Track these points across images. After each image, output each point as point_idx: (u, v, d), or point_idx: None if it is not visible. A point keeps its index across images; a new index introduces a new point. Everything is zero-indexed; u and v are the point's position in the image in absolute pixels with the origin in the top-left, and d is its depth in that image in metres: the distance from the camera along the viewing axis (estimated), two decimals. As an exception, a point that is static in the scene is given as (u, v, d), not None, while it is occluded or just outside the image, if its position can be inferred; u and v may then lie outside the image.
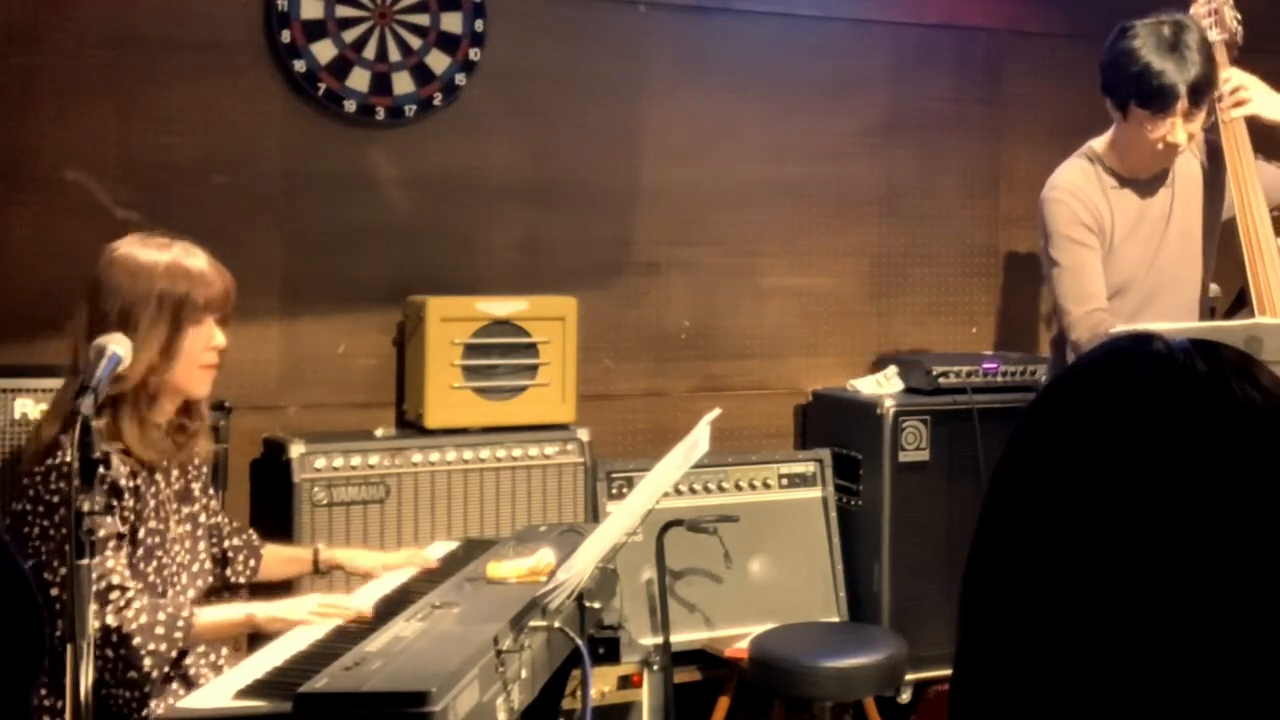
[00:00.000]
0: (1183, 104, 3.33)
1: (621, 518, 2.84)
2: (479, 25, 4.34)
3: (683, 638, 4.19)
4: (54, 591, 2.57)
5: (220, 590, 3.02)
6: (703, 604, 4.29)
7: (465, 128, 4.36)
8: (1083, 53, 5.00)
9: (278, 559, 3.17)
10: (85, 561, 2.17)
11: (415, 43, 4.27)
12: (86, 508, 2.17)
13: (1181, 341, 0.96)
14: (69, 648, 2.16)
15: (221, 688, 2.40)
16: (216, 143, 4.08)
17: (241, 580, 3.07)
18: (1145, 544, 0.89)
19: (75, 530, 2.17)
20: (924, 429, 4.44)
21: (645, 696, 3.90)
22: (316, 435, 4.01)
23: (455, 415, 4.10)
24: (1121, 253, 3.52)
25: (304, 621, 2.69)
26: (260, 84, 4.13)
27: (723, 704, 4.19)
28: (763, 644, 4.06)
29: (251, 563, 3.09)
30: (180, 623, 2.59)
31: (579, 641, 2.61)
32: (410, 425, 4.18)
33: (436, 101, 4.31)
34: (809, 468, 4.55)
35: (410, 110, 4.28)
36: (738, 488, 4.45)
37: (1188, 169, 3.61)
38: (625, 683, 3.88)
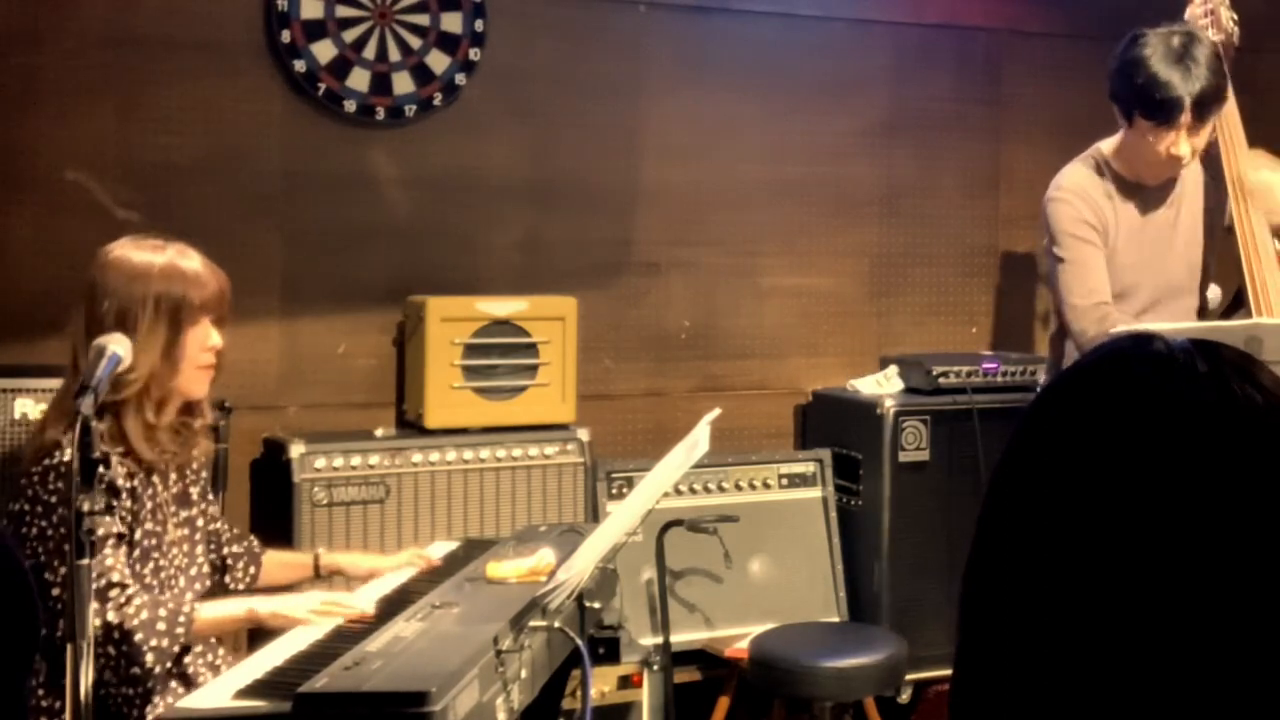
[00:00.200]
0: (1186, 117, 3.29)
1: (621, 518, 2.84)
2: (479, 25, 4.34)
3: (683, 638, 4.19)
4: (55, 591, 2.58)
5: (219, 596, 3.02)
6: (703, 604, 4.29)
7: (465, 128, 4.36)
8: (1083, 53, 5.02)
9: (278, 565, 3.17)
10: (85, 561, 2.17)
11: (415, 43, 4.27)
12: (86, 508, 2.17)
13: (1182, 342, 0.96)
14: (69, 648, 2.16)
15: (221, 688, 2.40)
16: (216, 143, 4.08)
17: (241, 587, 3.07)
18: (1145, 544, 0.89)
19: (75, 530, 2.17)
20: (924, 429, 4.44)
21: (645, 696, 3.90)
22: (316, 435, 4.01)
23: (455, 415, 4.10)
24: (1123, 257, 3.50)
25: (304, 620, 2.69)
26: (260, 84, 4.13)
27: (723, 704, 4.19)
28: (763, 644, 4.06)
29: (252, 569, 3.10)
30: (182, 618, 2.59)
31: (579, 641, 2.61)
32: (410, 425, 4.18)
33: (436, 101, 4.31)
34: (809, 468, 4.55)
35: (410, 110, 4.28)
36: (738, 488, 4.45)
37: (1192, 177, 3.59)
38: (625, 683, 3.88)
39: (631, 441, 4.57)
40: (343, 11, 4.19)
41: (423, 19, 4.29)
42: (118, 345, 2.47)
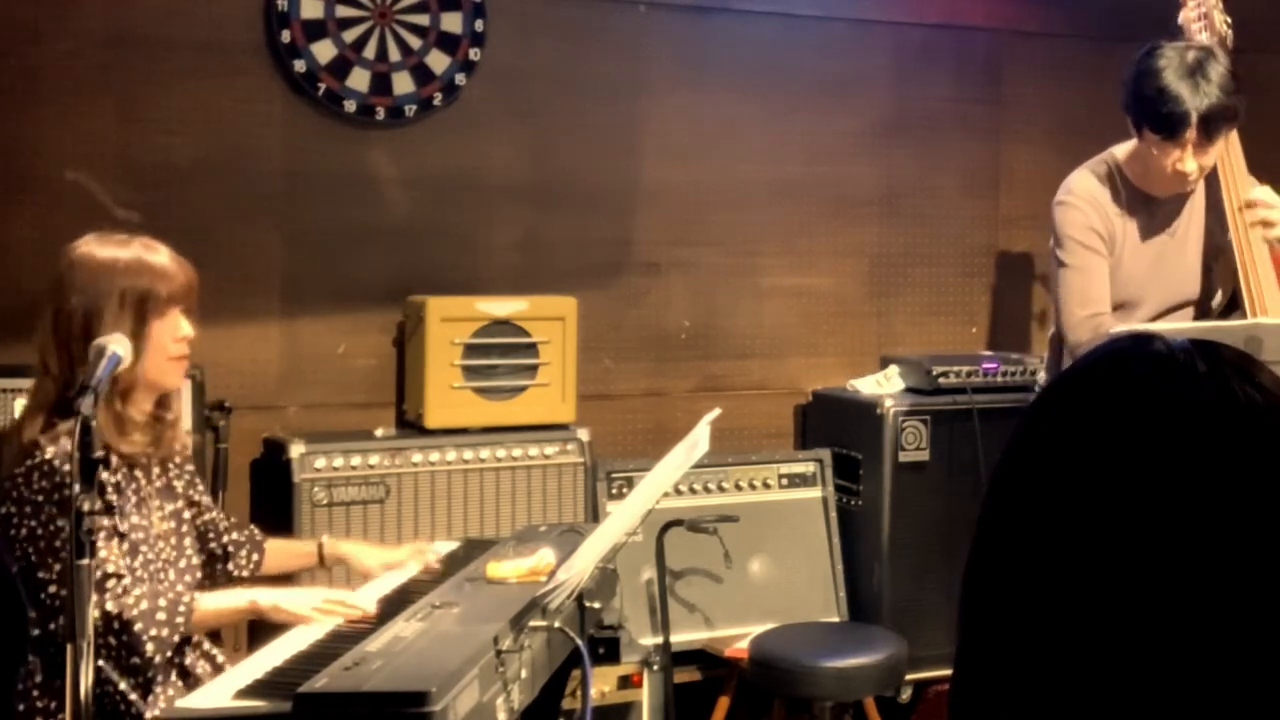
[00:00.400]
0: (1193, 133, 3.25)
1: (621, 518, 2.84)
2: (479, 25, 4.34)
3: (683, 638, 4.19)
4: (52, 589, 2.58)
5: (223, 585, 3.02)
6: (703, 604, 4.29)
7: (465, 128, 4.36)
8: (1083, 53, 5.03)
9: (282, 552, 3.17)
10: (85, 561, 2.17)
11: (415, 43, 4.27)
12: (86, 507, 2.17)
13: (1181, 342, 0.96)
14: (69, 647, 2.16)
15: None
16: (216, 143, 4.08)
17: (245, 574, 3.07)
18: (1145, 544, 0.89)
19: (75, 530, 2.17)
20: (924, 429, 4.44)
21: (645, 696, 3.90)
22: (316, 435, 4.01)
23: (455, 415, 4.10)
24: (1130, 267, 3.48)
25: (307, 617, 2.69)
26: (260, 84, 4.14)
27: (723, 704, 4.19)
28: (763, 644, 4.06)
29: (254, 557, 3.09)
30: (182, 608, 2.60)
31: (579, 641, 2.62)
32: (410, 425, 4.18)
33: (436, 101, 4.31)
34: (809, 468, 4.55)
35: (410, 110, 4.28)
36: (738, 488, 4.45)
37: (1200, 190, 3.57)
38: (625, 683, 3.88)
39: (631, 441, 4.57)
40: (343, 11, 4.19)
41: (423, 19, 4.29)
42: (118, 345, 2.48)
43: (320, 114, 4.20)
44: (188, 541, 2.86)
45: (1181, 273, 3.55)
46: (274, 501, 3.94)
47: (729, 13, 4.69)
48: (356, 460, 3.93)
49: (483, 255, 4.41)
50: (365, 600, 2.80)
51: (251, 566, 3.09)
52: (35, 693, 2.62)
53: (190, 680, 2.73)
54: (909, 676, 4.20)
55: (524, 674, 2.45)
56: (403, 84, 4.26)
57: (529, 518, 4.05)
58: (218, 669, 2.77)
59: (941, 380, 4.49)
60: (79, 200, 3.91)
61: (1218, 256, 3.61)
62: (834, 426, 4.67)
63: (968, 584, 0.98)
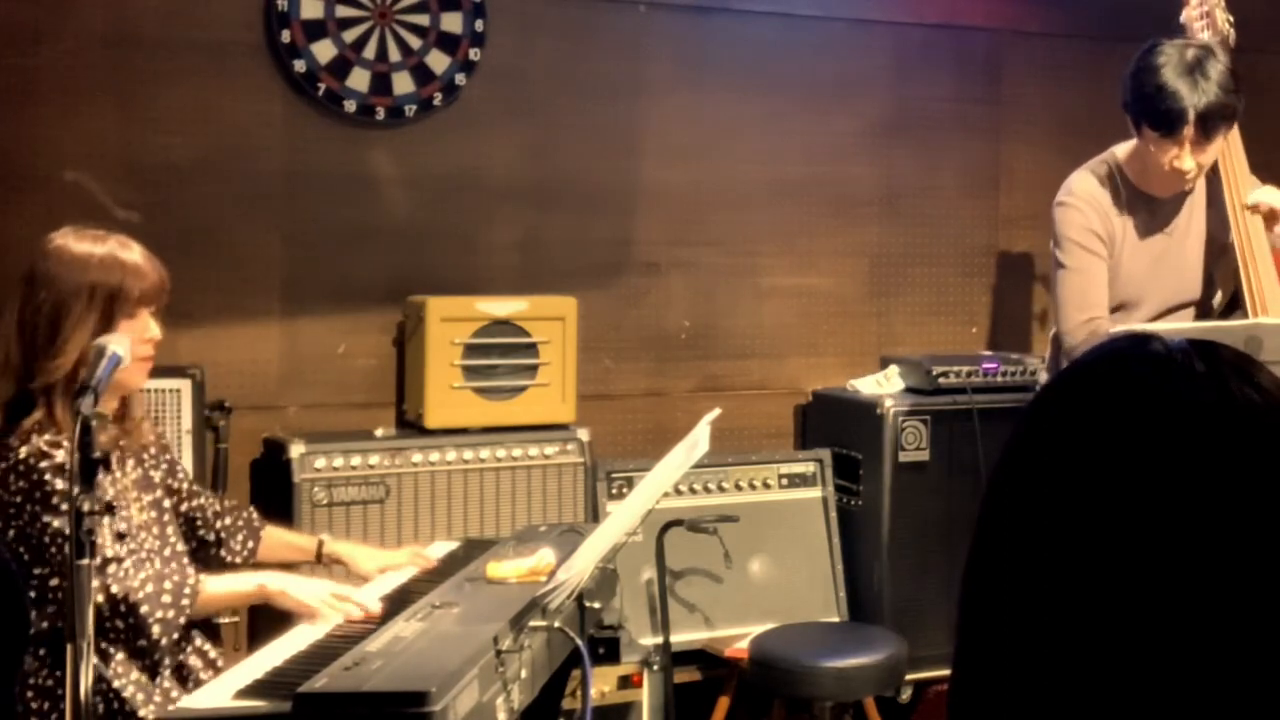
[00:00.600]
0: (1190, 131, 3.25)
1: (621, 518, 2.84)
2: (479, 25, 4.34)
3: (683, 638, 4.19)
4: (53, 582, 2.57)
5: (217, 571, 3.00)
6: (703, 604, 4.29)
7: (465, 128, 4.36)
8: (1083, 53, 5.03)
9: (279, 542, 3.16)
10: (85, 561, 2.17)
11: (415, 43, 4.27)
12: (86, 508, 2.17)
13: (1179, 342, 0.96)
14: (69, 648, 2.16)
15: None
16: (216, 143, 4.08)
17: (239, 560, 3.05)
18: (1144, 544, 0.89)
19: (75, 530, 2.17)
20: (924, 429, 4.44)
21: (645, 696, 3.90)
22: (316, 435, 4.01)
23: (455, 415, 4.10)
24: (1130, 268, 3.48)
25: (314, 609, 2.69)
26: (260, 84, 4.14)
27: (723, 704, 4.19)
28: (763, 644, 4.06)
29: (250, 544, 3.08)
30: (187, 590, 2.60)
31: (579, 641, 2.62)
32: (410, 425, 4.18)
33: (436, 101, 4.31)
34: (809, 468, 4.55)
35: (410, 110, 4.28)
36: (738, 488, 4.45)
37: (1200, 187, 3.57)
38: (625, 683, 3.88)
39: (631, 441, 4.57)
40: (343, 11, 4.19)
41: (423, 19, 4.29)
42: (118, 345, 2.47)
43: (320, 114, 4.20)
44: (170, 530, 2.85)
45: (1182, 272, 3.55)
46: (274, 501, 3.93)
47: (729, 13, 4.69)
48: (356, 460, 3.93)
49: (483, 255, 4.41)
50: (370, 598, 2.79)
51: (246, 553, 3.07)
52: (30, 694, 2.61)
53: (186, 679, 2.72)
54: (909, 676, 4.20)
55: (524, 674, 2.45)
56: (403, 84, 4.26)
57: (529, 518, 4.05)
58: (213, 667, 2.76)
59: (941, 380, 4.49)
60: (79, 200, 3.91)
61: (1218, 257, 3.61)
62: (834, 426, 4.67)
63: (967, 583, 0.98)
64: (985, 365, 4.56)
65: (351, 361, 4.27)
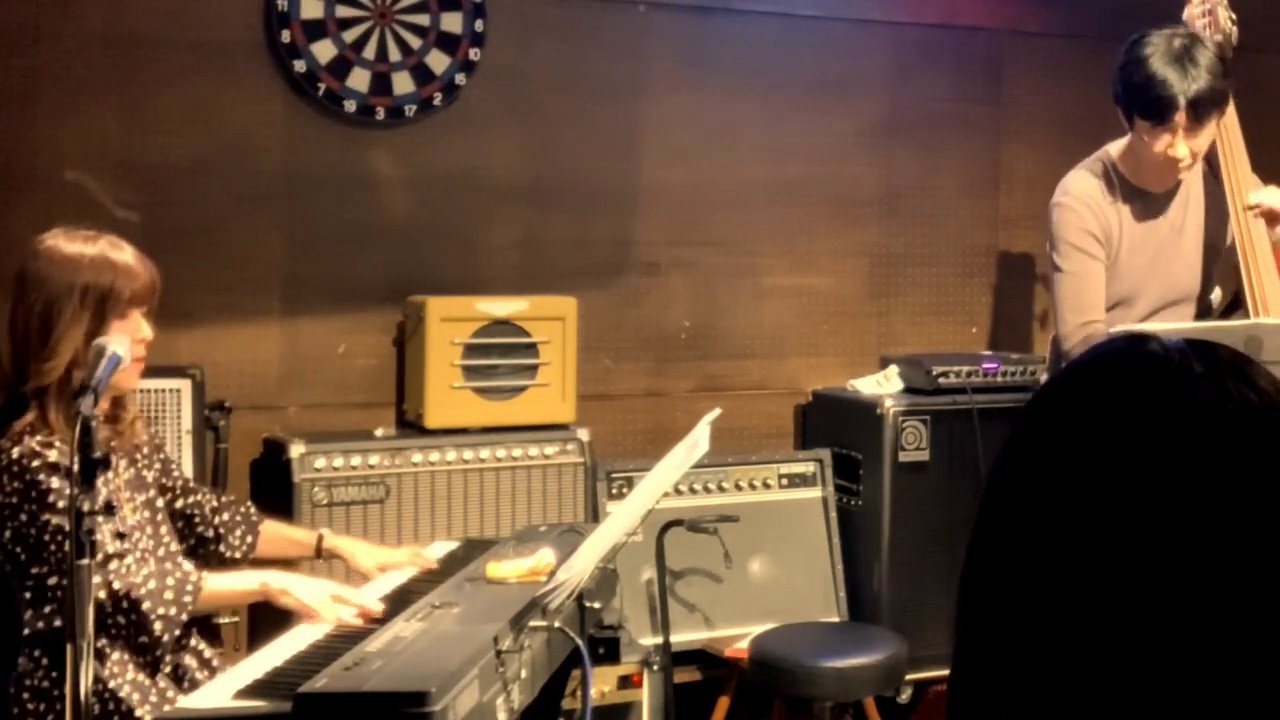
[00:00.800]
0: (1181, 117, 3.27)
1: (621, 518, 2.84)
2: (479, 25, 4.34)
3: (683, 638, 4.19)
4: (52, 580, 2.57)
5: (215, 567, 3.00)
6: (703, 604, 4.29)
7: (465, 128, 4.36)
8: (1083, 53, 5.03)
9: (278, 537, 3.15)
10: (86, 561, 2.17)
11: (415, 43, 4.27)
12: (86, 508, 2.17)
13: (1178, 342, 0.96)
14: (69, 648, 2.16)
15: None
16: (216, 143, 4.08)
17: (238, 556, 3.05)
18: (1142, 544, 0.89)
19: (75, 530, 2.17)
20: (924, 429, 4.44)
21: (645, 696, 3.90)
22: (316, 435, 4.01)
23: (455, 415, 4.10)
24: (1128, 264, 3.49)
25: (315, 610, 2.69)
26: (260, 84, 4.14)
27: (723, 704, 4.19)
28: (763, 644, 4.06)
29: (249, 539, 3.07)
30: (189, 586, 2.59)
31: (579, 641, 2.61)
32: (410, 425, 4.18)
33: (436, 101, 4.31)
34: (809, 468, 4.55)
35: (410, 110, 4.28)
36: (738, 488, 4.45)
37: (1198, 186, 3.58)
38: (625, 683, 3.88)
39: (631, 441, 4.57)
40: (343, 11, 4.19)
41: (423, 19, 4.29)
42: (118, 345, 2.47)
43: (320, 114, 4.20)
44: (164, 529, 2.85)
45: (1179, 268, 3.56)
46: (274, 501, 3.93)
47: (729, 13, 4.69)
48: (356, 460, 3.93)
49: (483, 255, 4.41)
50: (370, 599, 2.79)
51: (245, 548, 3.06)
52: (25, 695, 2.61)
53: (182, 680, 2.72)
54: (909, 676, 4.20)
55: (524, 674, 2.45)
56: (403, 84, 4.26)
57: (529, 518, 4.05)
58: (208, 667, 2.76)
59: (941, 380, 4.48)
60: (79, 200, 3.91)
61: (1217, 256, 3.61)
62: (834, 426, 4.67)
63: (966, 583, 0.98)
64: (985, 365, 4.56)
65: (351, 361, 4.27)
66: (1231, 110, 3.49)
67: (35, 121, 3.90)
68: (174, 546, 2.86)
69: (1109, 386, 0.94)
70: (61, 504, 2.53)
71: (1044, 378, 4.32)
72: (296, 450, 3.88)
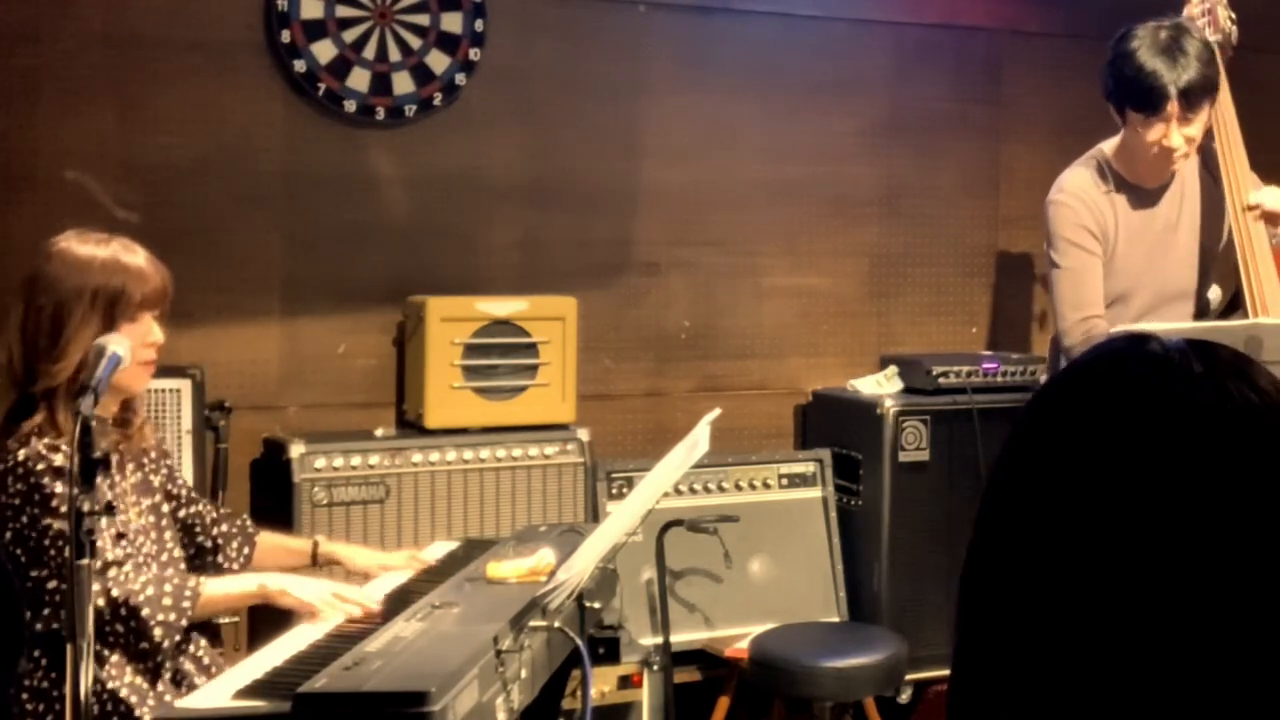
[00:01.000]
0: (1174, 106, 3.30)
1: (621, 518, 2.84)
2: (479, 25, 4.34)
3: (683, 638, 4.19)
4: (51, 585, 2.57)
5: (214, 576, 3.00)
6: (703, 604, 4.29)
7: (465, 128, 4.36)
8: (1083, 53, 5.02)
9: (274, 547, 3.16)
10: (85, 561, 2.17)
11: (415, 43, 4.27)
12: (86, 508, 2.17)
13: (1178, 342, 0.96)
14: (68, 648, 2.16)
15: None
16: (216, 143, 4.08)
17: (235, 567, 3.05)
18: (1143, 544, 0.89)
19: (75, 530, 2.17)
20: (924, 429, 4.44)
21: (645, 696, 3.90)
22: (316, 435, 4.01)
23: (455, 415, 4.10)
24: (1124, 260, 3.50)
25: (314, 608, 2.69)
26: (260, 84, 4.14)
27: (723, 704, 4.19)
28: (763, 644, 4.06)
29: (245, 550, 3.07)
30: (188, 592, 2.59)
31: (579, 641, 2.61)
32: (410, 425, 4.18)
33: (436, 101, 4.31)
34: (809, 468, 4.55)
35: (410, 110, 4.28)
36: (738, 488, 4.45)
37: (1195, 182, 3.59)
38: (625, 683, 3.88)
39: (631, 441, 4.57)
40: (343, 11, 4.19)
41: (423, 19, 4.29)
42: (118, 345, 2.47)
43: (320, 114, 4.20)
44: (168, 535, 2.85)
45: (1174, 264, 3.57)
46: (274, 501, 3.94)
47: (729, 13, 4.69)
48: (356, 460, 3.93)
49: (483, 255, 4.41)
50: (370, 597, 2.79)
51: (242, 559, 3.07)
52: (25, 695, 2.60)
53: (180, 682, 2.72)
54: (909, 676, 4.20)
55: (524, 674, 2.45)
56: (403, 84, 4.26)
57: (529, 518, 4.05)
58: (205, 672, 2.76)
59: (941, 380, 4.48)
60: (79, 200, 3.91)
61: (1213, 254, 3.62)
62: (834, 426, 4.67)
63: (966, 583, 0.98)
64: (985, 365, 4.56)
65: (351, 361, 4.27)
66: (1231, 110, 3.50)
67: (35, 121, 3.90)
68: (177, 553, 2.86)
69: (1109, 387, 0.94)
70: (64, 509, 2.53)
71: (1044, 378, 4.32)
72: (296, 450, 3.88)
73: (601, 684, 3.79)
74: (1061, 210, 3.49)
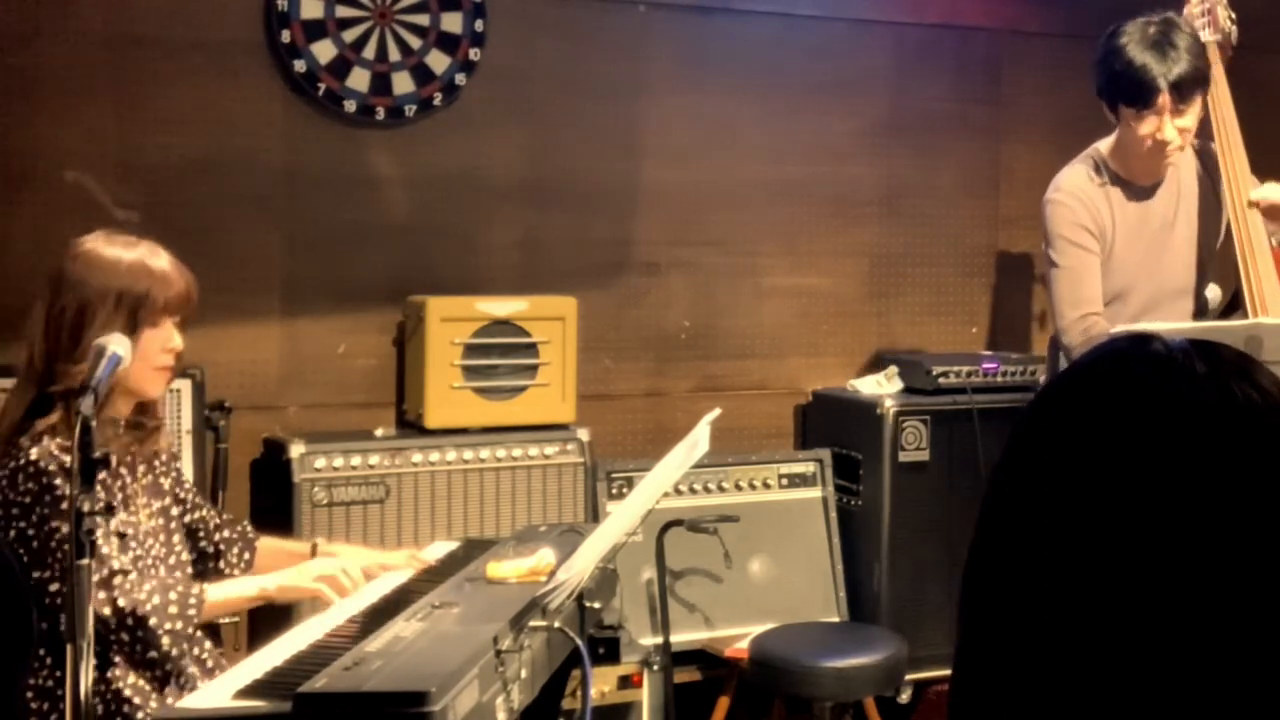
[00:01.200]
0: (1165, 99, 3.32)
1: (621, 518, 2.84)
2: (479, 25, 4.34)
3: (683, 638, 4.19)
4: (53, 588, 2.57)
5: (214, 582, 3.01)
6: (703, 604, 4.29)
7: (465, 128, 4.36)
8: (1083, 53, 4.99)
9: (274, 552, 3.16)
10: (85, 561, 2.17)
11: (415, 43, 4.27)
12: (86, 508, 2.17)
13: (1180, 342, 0.96)
14: (69, 648, 2.16)
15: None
16: (216, 143, 4.08)
17: (236, 573, 3.05)
18: (1144, 544, 0.89)
19: (75, 530, 2.17)
20: (924, 429, 4.44)
21: (645, 696, 3.90)
22: (316, 435, 4.01)
23: (455, 415, 4.10)
24: (1122, 257, 3.51)
25: (313, 589, 2.72)
26: (260, 84, 4.14)
27: (723, 704, 4.19)
28: (763, 644, 4.06)
29: (246, 555, 3.08)
30: (193, 600, 2.60)
31: (579, 641, 2.61)
32: (410, 425, 4.18)
33: (436, 101, 4.31)
34: (809, 468, 4.55)
35: (410, 110, 4.28)
36: (738, 488, 4.45)
37: (1192, 180, 3.60)
38: (625, 683, 3.88)
39: (631, 441, 4.57)
40: (343, 11, 4.19)
41: (423, 19, 4.29)
42: (118, 345, 2.47)
43: (320, 114, 4.20)
44: (176, 538, 2.85)
45: (1173, 262, 3.58)
46: (274, 501, 3.94)
47: (729, 13, 4.69)
48: (356, 460, 3.93)
49: (483, 255, 4.41)
50: (354, 569, 2.80)
51: (243, 565, 3.07)
52: (29, 694, 2.61)
53: (184, 688, 2.72)
54: (909, 676, 4.20)
55: (524, 674, 2.45)
56: (403, 84, 4.26)
57: (529, 518, 4.05)
58: (208, 671, 2.76)
59: (941, 380, 4.48)
60: (79, 200, 3.91)
61: (1210, 253, 3.63)
62: (834, 426, 4.67)
63: (967, 583, 0.98)
64: (985, 365, 4.56)
65: (351, 361, 4.27)
66: (1231, 110, 3.50)
67: (35, 121, 3.90)
68: (185, 556, 2.86)
69: (1111, 387, 0.94)
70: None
71: (1043, 377, 4.32)
72: (296, 450, 3.88)
73: (601, 684, 3.79)
74: (1059, 209, 3.50)
